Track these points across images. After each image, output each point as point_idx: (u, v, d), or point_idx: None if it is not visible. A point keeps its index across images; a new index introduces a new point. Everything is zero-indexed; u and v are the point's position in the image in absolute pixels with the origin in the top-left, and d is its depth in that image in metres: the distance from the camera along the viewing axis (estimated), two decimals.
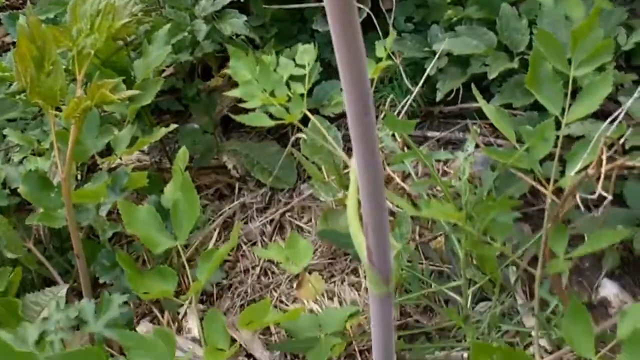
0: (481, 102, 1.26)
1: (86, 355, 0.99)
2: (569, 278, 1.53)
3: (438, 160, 1.78)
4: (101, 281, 1.54)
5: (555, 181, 1.18)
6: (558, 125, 1.18)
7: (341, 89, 1.71)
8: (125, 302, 1.29)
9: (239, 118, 1.29)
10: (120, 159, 1.85)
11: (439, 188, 1.68)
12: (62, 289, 1.61)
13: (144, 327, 1.63)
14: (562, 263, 1.15)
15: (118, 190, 1.51)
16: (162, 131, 1.65)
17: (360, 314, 1.51)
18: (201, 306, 1.72)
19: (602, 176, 1.01)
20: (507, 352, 0.97)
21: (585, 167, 1.15)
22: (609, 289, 1.50)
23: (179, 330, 1.67)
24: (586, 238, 1.36)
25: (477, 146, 1.26)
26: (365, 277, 1.62)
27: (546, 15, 1.67)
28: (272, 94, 1.29)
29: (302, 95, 1.26)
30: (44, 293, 1.62)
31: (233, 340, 1.60)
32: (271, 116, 1.31)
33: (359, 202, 0.92)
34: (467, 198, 1.23)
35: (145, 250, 1.72)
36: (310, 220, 1.79)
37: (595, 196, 1.10)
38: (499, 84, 1.77)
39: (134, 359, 1.02)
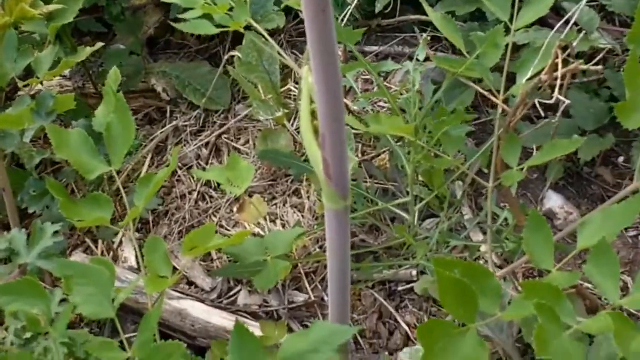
0: (428, 10, 1.20)
1: (21, 287, 0.92)
2: None
3: (379, 75, 1.72)
4: (30, 211, 1.46)
5: (506, 90, 1.14)
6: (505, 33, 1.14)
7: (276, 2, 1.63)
8: (57, 232, 1.21)
9: (180, 26, 1.21)
10: (42, 83, 1.73)
11: (381, 104, 1.63)
12: None
13: (78, 258, 1.55)
14: (516, 174, 1.13)
15: (44, 114, 1.41)
16: (87, 51, 1.54)
17: (305, 236, 1.47)
18: (137, 234, 1.65)
19: (559, 80, 0.97)
20: (468, 266, 0.94)
21: (536, 75, 1.11)
22: (554, 201, 1.49)
23: (115, 260, 1.59)
24: (535, 149, 1.34)
25: (426, 58, 1.21)
26: (308, 198, 1.58)
27: None
28: (213, 2, 1.20)
29: (245, 1, 1.18)
30: None
31: (173, 269, 1.55)
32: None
33: (312, 114, 0.87)
34: (415, 111, 1.19)
35: (74, 179, 1.63)
36: (247, 142, 1.72)
37: (548, 103, 1.07)
38: None
39: (75, 289, 0.95)
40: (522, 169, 1.12)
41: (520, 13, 1.14)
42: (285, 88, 1.75)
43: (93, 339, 1.06)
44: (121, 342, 0.99)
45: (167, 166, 1.27)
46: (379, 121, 1.16)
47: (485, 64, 1.14)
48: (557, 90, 0.98)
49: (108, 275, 0.98)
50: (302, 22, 1.85)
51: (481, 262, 1.39)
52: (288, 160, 1.47)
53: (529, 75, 1.14)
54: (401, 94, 1.22)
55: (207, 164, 1.72)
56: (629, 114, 0.98)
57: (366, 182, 1.54)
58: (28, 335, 1.08)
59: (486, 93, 1.14)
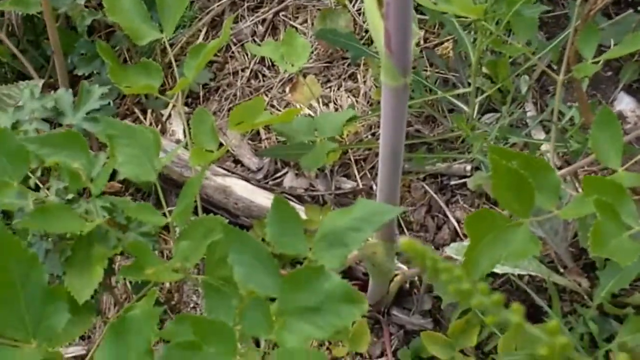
0: None
1: (64, 139, 0.89)
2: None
3: None
4: (79, 73, 1.43)
5: None
6: None
7: None
8: (105, 94, 1.17)
9: None
10: None
11: None
12: (38, 83, 1.50)
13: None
14: (590, 66, 1.05)
15: None
16: None
17: (357, 121, 1.41)
18: (186, 108, 1.61)
19: None
20: (526, 158, 0.88)
21: None
22: (625, 103, 1.41)
23: (163, 133, 1.57)
24: (611, 44, 1.25)
25: None
26: (364, 82, 1.51)
27: None
28: None
29: None
30: (17, 86, 1.51)
31: (220, 145, 1.51)
32: None
33: None
34: None
35: (127, 46, 1.58)
36: (305, 21, 1.65)
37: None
38: None
39: (118, 149, 0.92)
40: (597, 62, 1.04)
41: None
42: None
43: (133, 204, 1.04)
44: (163, 214, 0.97)
45: None
46: (448, 1, 1.08)
47: None
48: None
49: (152, 138, 0.94)
50: None
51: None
52: (346, 41, 1.41)
53: None
54: None
55: (262, 41, 1.66)
56: None
57: (426, 70, 1.47)
58: (70, 196, 1.06)
59: None
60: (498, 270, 1.14)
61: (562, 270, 1.21)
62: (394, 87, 0.85)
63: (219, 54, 1.68)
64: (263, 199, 1.38)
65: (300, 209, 1.34)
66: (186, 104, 1.62)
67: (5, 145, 0.83)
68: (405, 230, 1.35)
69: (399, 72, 0.83)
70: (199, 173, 0.93)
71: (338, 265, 0.77)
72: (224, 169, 1.45)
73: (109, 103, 1.29)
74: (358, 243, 0.77)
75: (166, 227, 1.32)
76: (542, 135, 1.36)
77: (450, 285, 0.40)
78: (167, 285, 1.39)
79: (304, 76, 1.53)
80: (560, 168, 1.30)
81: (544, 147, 1.30)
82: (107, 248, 1.05)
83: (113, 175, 1.51)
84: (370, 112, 1.44)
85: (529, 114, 1.39)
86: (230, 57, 1.66)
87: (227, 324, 0.70)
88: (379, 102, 1.39)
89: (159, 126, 1.58)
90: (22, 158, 0.84)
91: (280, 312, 0.70)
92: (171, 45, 1.69)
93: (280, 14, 1.68)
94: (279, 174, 1.47)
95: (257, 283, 0.74)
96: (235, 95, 1.59)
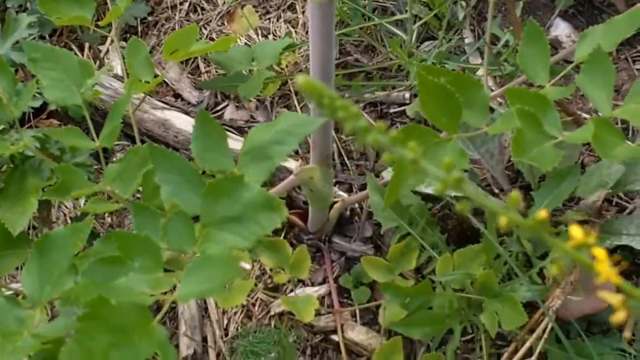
0: None
1: None
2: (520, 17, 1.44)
3: None
4: (9, 5, 1.39)
5: None
6: None
7: None
8: (34, 23, 1.15)
9: None
10: None
11: None
12: None
13: None
14: None
15: None
16: None
17: (296, 51, 1.41)
18: (124, 43, 1.58)
19: None
20: (456, 75, 0.89)
21: None
22: (561, 29, 1.41)
23: (100, 68, 1.54)
24: None
25: None
26: (302, 13, 1.50)
27: None
28: None
29: None
30: None
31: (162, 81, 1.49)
32: None
33: None
34: None
35: None
36: None
37: None
38: None
39: (41, 73, 0.90)
40: None
41: None
42: None
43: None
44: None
45: None
46: None
47: None
48: None
49: (76, 61, 0.92)
50: None
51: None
52: None
53: None
54: None
55: None
56: None
57: None
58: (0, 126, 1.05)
59: None
60: (434, 192, 1.15)
61: (498, 192, 1.23)
62: (319, 1, 0.84)
63: None
64: None
65: (240, 140, 1.33)
66: (124, 39, 1.60)
67: None
68: (346, 158, 1.35)
69: None
70: (125, 95, 0.91)
71: (263, 178, 0.77)
72: (163, 102, 1.43)
73: (40, 34, 1.26)
74: (282, 156, 0.77)
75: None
76: (480, 61, 1.36)
77: (347, 123, 0.40)
78: (109, 221, 1.39)
79: (243, 7, 1.51)
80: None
81: (480, 72, 1.31)
82: (40, 179, 1.04)
83: (51, 113, 1.49)
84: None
85: (466, 40, 1.39)
86: None
87: (151, 238, 0.69)
88: None
89: (97, 62, 1.55)
90: None
91: (203, 225, 0.70)
92: None
93: None
94: (219, 107, 1.46)
95: (183, 200, 0.74)
96: (173, 29, 1.57)
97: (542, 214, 0.36)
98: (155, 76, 1.11)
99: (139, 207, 0.81)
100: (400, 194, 0.89)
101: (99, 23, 1.21)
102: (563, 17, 1.43)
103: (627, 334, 0.42)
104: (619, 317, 0.37)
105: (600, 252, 0.36)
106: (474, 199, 0.37)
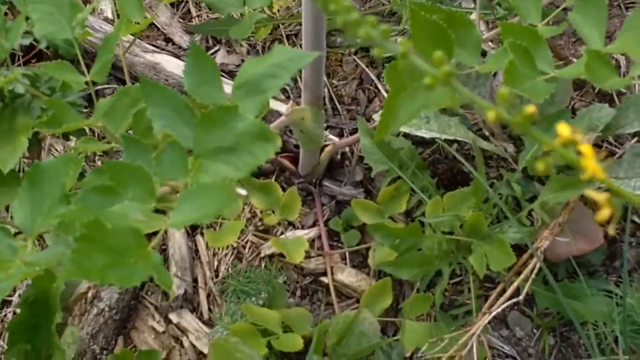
0: None
1: None
2: None
3: None
4: None
5: None
6: None
7: None
8: None
9: None
10: None
11: None
12: None
13: None
14: None
15: None
16: None
17: None
18: None
19: None
20: (448, 13, 0.88)
21: None
22: None
23: (91, 12, 1.53)
24: None
25: None
26: None
27: None
28: None
29: None
30: None
31: (153, 25, 1.49)
32: None
33: None
34: None
35: None
36: None
37: None
38: None
39: (31, 7, 0.89)
40: None
41: None
42: None
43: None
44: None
45: None
46: None
47: None
48: None
49: None
50: None
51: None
52: None
53: None
54: None
55: None
56: None
57: None
58: None
59: None
60: (426, 134, 1.15)
61: (489, 136, 1.23)
62: None
63: None
64: None
65: (231, 84, 1.33)
66: None
67: None
68: (337, 103, 1.35)
69: None
70: (114, 30, 0.90)
71: (256, 111, 0.77)
72: (154, 45, 1.42)
73: None
74: (275, 89, 0.77)
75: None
76: (472, 5, 1.35)
77: (339, 16, 0.40)
78: (100, 164, 1.38)
79: None
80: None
81: (472, 17, 1.30)
82: (31, 118, 1.04)
83: (40, 54, 1.48)
84: None
85: None
86: None
87: (143, 168, 0.69)
88: None
89: (87, 5, 1.53)
90: None
91: (196, 156, 0.70)
92: None
93: None
94: (210, 52, 1.45)
95: (176, 133, 0.74)
96: None
97: (530, 108, 0.36)
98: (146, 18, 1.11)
99: (129, 140, 0.81)
100: (393, 126, 0.89)
101: None
102: None
103: (611, 231, 0.43)
104: (603, 214, 0.37)
105: (586, 148, 0.36)
106: (465, 96, 0.38)
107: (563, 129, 0.37)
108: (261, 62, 0.78)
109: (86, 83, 0.95)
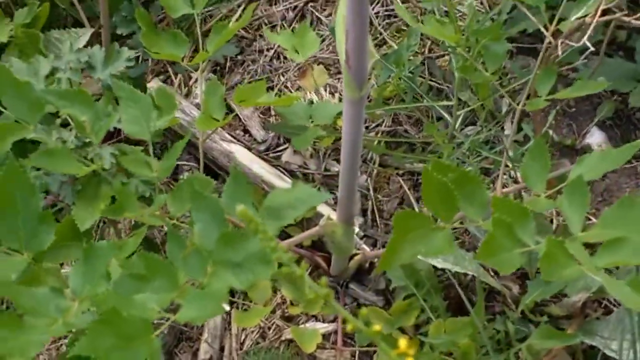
0: None
1: (76, 95, 1.07)
2: (559, 120, 1.57)
3: None
4: (118, 32, 1.62)
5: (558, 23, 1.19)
6: None
7: None
8: (133, 58, 1.36)
9: None
10: None
11: (461, 8, 1.69)
12: (87, 32, 1.69)
13: (154, 84, 1.72)
14: (541, 102, 1.19)
15: None
16: None
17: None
18: (213, 75, 1.79)
19: (592, 26, 1.03)
20: (461, 173, 1.04)
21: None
22: (595, 137, 1.54)
23: (187, 95, 1.75)
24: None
25: None
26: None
27: None
28: None
29: None
30: (68, 32, 1.70)
31: (232, 112, 1.69)
32: None
33: None
34: (469, 22, 1.25)
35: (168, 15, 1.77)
36: (331, 15, 1.82)
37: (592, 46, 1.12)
38: None
39: (124, 109, 1.10)
40: (548, 99, 1.19)
41: None
42: None
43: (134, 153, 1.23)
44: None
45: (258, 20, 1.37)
46: (430, 23, 1.24)
47: None
48: (587, 34, 1.03)
49: (151, 104, 1.12)
50: None
51: (505, 177, 1.46)
52: None
53: (581, 13, 1.18)
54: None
55: (290, 26, 1.83)
56: None
57: (424, 78, 1.62)
58: (87, 140, 1.26)
59: (536, 21, 1.19)
60: (439, 264, 1.30)
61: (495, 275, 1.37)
62: (352, 98, 1.02)
63: (249, 31, 1.85)
64: (259, 168, 1.56)
65: (288, 182, 1.52)
66: (213, 72, 1.81)
67: (26, 95, 1.02)
68: (377, 216, 1.52)
69: (356, 87, 1.00)
70: (180, 142, 1.10)
71: (273, 233, 0.95)
72: (232, 135, 1.63)
73: (135, 63, 1.47)
74: (291, 218, 0.95)
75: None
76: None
77: (262, 241, 0.57)
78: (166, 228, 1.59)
79: (318, 64, 1.70)
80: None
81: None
82: (113, 188, 1.25)
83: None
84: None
85: (506, 132, 1.54)
86: (260, 35, 1.84)
87: (172, 264, 0.88)
88: (381, 100, 1.56)
89: (186, 88, 1.77)
90: (39, 107, 1.03)
91: (214, 262, 0.88)
92: (211, 16, 1.88)
93: (310, 4, 1.85)
94: (279, 148, 1.65)
95: (208, 237, 0.92)
96: (256, 71, 1.77)
97: (377, 327, 0.52)
98: (232, 112, 1.30)
99: (173, 236, 1.00)
100: (394, 264, 1.04)
101: (188, 63, 1.42)
102: (600, 127, 1.56)
103: None
104: None
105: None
106: None
107: (402, 342, 0.52)
108: (285, 194, 0.97)
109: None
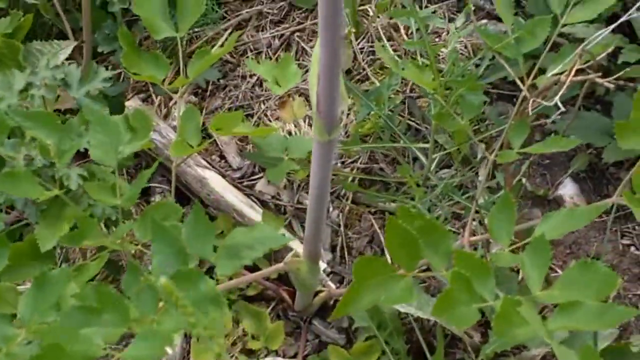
0: None
1: (42, 117, 1.06)
2: (534, 169, 1.58)
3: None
4: (99, 50, 1.61)
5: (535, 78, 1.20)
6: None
7: None
8: (113, 77, 1.35)
9: None
10: None
11: (443, 52, 1.69)
12: (70, 45, 1.68)
13: (133, 103, 1.71)
14: (513, 155, 1.19)
15: None
16: None
17: None
18: (194, 98, 1.79)
19: (565, 86, 1.03)
20: (428, 222, 1.03)
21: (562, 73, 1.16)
22: (568, 189, 1.55)
23: (166, 116, 1.75)
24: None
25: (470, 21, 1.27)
26: (347, 115, 1.67)
27: None
28: None
29: None
30: (50, 44, 1.69)
31: (209, 137, 1.67)
32: None
33: None
34: (448, 68, 1.26)
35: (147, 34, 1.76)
36: (314, 46, 1.81)
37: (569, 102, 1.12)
38: None
39: (92, 133, 1.09)
40: (519, 152, 1.19)
41: (573, 9, 1.17)
42: (363, 7, 1.81)
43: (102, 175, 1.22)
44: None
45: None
46: (408, 68, 1.24)
47: (520, 48, 1.18)
48: (559, 93, 1.03)
49: (120, 130, 1.11)
50: None
51: (475, 223, 1.46)
52: None
53: (558, 69, 1.18)
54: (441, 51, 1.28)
55: (275, 54, 1.83)
56: (627, 134, 1.04)
57: (403, 116, 1.62)
58: (54, 160, 1.24)
59: (513, 74, 1.19)
60: (401, 309, 1.30)
61: None
62: (322, 142, 1.01)
63: (234, 56, 1.85)
64: (232, 196, 1.55)
65: (259, 212, 1.51)
66: (195, 94, 1.80)
67: None
68: (346, 253, 1.52)
69: (326, 131, 0.99)
70: (147, 171, 1.09)
71: (230, 272, 0.95)
72: (207, 161, 1.62)
73: (116, 81, 1.46)
74: (249, 259, 0.94)
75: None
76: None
77: (182, 315, 0.57)
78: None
79: (299, 96, 1.70)
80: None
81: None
82: (78, 209, 1.23)
83: None
84: (342, 145, 1.59)
85: (480, 178, 1.54)
86: (244, 61, 1.83)
87: (123, 299, 0.87)
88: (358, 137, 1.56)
89: (165, 110, 1.76)
90: (3, 126, 1.02)
91: (165, 300, 0.87)
92: (197, 37, 1.88)
93: (297, 34, 1.84)
94: (254, 177, 1.64)
95: (165, 273, 0.91)
96: (237, 97, 1.77)
97: None
98: (209, 137, 1.29)
99: (131, 267, 0.99)
100: (352, 310, 1.03)
101: (168, 86, 1.41)
102: (574, 179, 1.56)
103: None
104: None
105: None
106: None
107: None
108: (245, 233, 0.96)
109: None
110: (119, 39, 1.39)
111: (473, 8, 1.49)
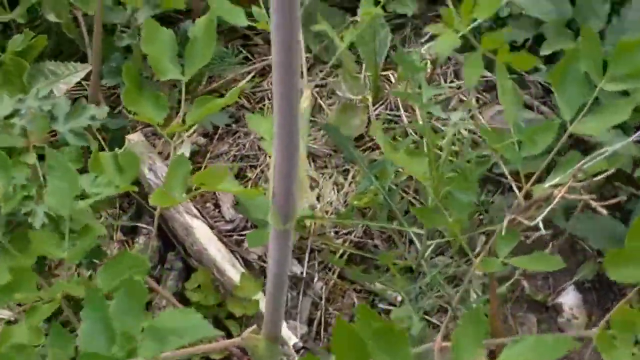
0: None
1: None
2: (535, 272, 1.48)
3: None
4: (103, 82, 1.57)
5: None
6: None
7: None
8: (96, 117, 1.30)
9: None
10: None
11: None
12: (86, 68, 1.66)
13: (136, 137, 1.66)
14: (497, 264, 1.11)
15: (152, 4, 1.50)
16: None
17: (320, 217, 1.51)
18: (202, 139, 1.73)
19: (552, 205, 0.95)
20: (387, 326, 0.96)
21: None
22: (569, 297, 1.44)
23: (168, 156, 1.69)
24: None
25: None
26: (350, 184, 1.60)
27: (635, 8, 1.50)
28: None
29: None
30: (66, 65, 1.67)
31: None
32: None
33: None
34: (443, 160, 1.18)
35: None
36: (333, 104, 1.75)
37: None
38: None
39: (50, 178, 1.04)
40: (505, 263, 1.11)
41: (583, 119, 1.09)
42: (386, 73, 1.74)
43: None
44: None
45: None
46: (402, 154, 1.17)
47: (521, 152, 1.10)
48: (544, 213, 0.95)
49: (77, 179, 1.06)
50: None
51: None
52: (342, 142, 1.50)
53: (557, 179, 1.10)
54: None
55: None
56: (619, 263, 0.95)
57: (407, 193, 1.54)
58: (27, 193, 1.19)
59: (511, 179, 1.11)
60: None
61: None
62: (278, 230, 0.94)
63: (251, 101, 1.79)
64: (215, 250, 1.48)
65: (240, 271, 1.44)
66: (203, 136, 1.75)
67: None
68: (322, 329, 1.44)
69: (281, 221, 0.92)
70: (97, 227, 1.03)
71: (151, 356, 0.88)
72: (198, 209, 1.56)
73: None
74: (174, 346, 0.87)
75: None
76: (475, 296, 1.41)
77: None
78: None
79: (308, 156, 1.63)
80: None
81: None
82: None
83: None
84: (336, 215, 1.52)
85: (476, 272, 1.45)
86: (260, 109, 1.78)
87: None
88: (353, 208, 1.49)
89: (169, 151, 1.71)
90: None
91: None
92: (219, 76, 1.83)
93: (316, 89, 1.78)
94: (245, 232, 1.57)
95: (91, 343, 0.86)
96: (244, 145, 1.71)
97: None
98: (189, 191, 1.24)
99: (57, 333, 0.94)
100: None
101: (165, 130, 1.35)
102: (578, 287, 1.46)
103: None
104: None
105: None
106: None
107: None
108: (176, 318, 0.89)
109: None
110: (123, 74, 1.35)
111: None
